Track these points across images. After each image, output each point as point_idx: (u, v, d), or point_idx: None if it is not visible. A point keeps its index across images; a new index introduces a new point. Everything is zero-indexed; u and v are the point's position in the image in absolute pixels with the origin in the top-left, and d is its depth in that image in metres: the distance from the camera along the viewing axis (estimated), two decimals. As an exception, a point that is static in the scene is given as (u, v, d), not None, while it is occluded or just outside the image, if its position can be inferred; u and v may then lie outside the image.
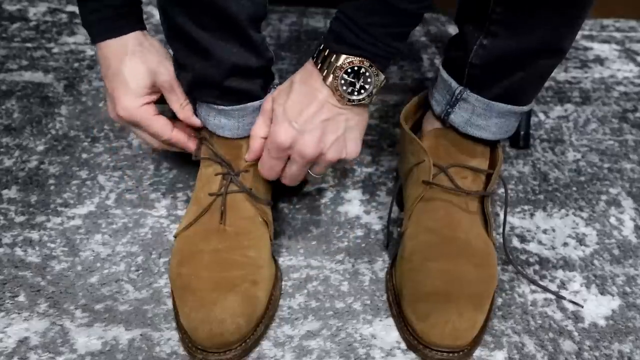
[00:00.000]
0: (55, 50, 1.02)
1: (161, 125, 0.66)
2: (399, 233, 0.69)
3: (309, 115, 0.60)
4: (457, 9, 0.66)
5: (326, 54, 0.59)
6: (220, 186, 0.66)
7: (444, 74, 0.67)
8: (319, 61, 0.60)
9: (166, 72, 0.65)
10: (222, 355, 0.58)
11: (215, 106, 0.65)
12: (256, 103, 0.65)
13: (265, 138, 0.64)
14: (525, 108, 0.65)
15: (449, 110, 0.67)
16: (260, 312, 0.60)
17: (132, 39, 0.63)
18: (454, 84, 0.66)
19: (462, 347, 0.58)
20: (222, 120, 0.66)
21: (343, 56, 0.58)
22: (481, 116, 0.65)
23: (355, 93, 0.60)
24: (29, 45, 1.03)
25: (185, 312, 0.59)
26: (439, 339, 0.57)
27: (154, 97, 0.66)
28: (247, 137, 0.67)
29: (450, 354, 0.58)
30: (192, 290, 0.59)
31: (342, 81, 0.59)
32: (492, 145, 0.70)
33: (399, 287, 0.63)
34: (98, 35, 0.63)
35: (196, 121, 0.67)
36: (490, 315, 0.63)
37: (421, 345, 0.59)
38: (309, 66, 0.61)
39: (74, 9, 1.13)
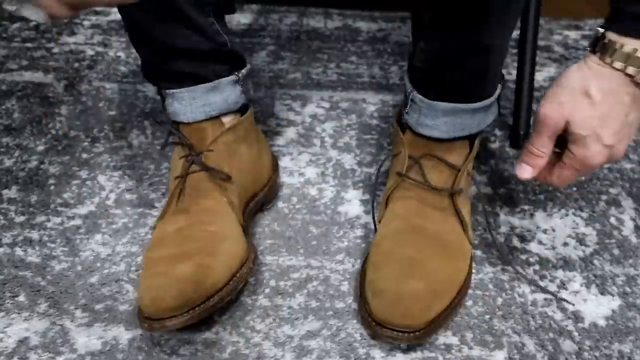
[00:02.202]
0: (55, 50, 1.02)
1: None
2: (377, 220, 0.69)
3: (620, 128, 0.55)
4: (410, 18, 0.69)
5: (624, 45, 0.52)
6: (183, 168, 0.66)
7: (405, 77, 0.70)
8: (618, 58, 0.52)
9: None
10: (166, 321, 0.56)
11: (168, 91, 0.67)
12: (208, 85, 0.67)
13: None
14: (476, 105, 0.66)
15: (404, 111, 0.69)
16: (213, 281, 0.59)
17: None
18: (408, 85, 0.68)
19: (413, 329, 0.58)
20: (176, 106, 0.67)
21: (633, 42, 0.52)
22: (428, 116, 0.67)
23: None
24: (29, 45, 1.03)
25: (139, 287, 0.59)
26: (389, 317, 0.58)
27: None
28: (209, 120, 0.68)
29: (400, 333, 0.58)
30: (149, 266, 0.60)
31: None
32: (471, 140, 0.70)
33: (365, 270, 0.64)
34: None
35: None
36: (458, 309, 0.63)
37: (373, 322, 0.59)
38: (605, 71, 0.53)
39: (74, 8, 1.13)
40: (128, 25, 0.64)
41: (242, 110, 0.72)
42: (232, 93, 0.69)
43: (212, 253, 0.60)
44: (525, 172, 0.59)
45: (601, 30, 0.54)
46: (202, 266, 0.59)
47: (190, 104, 0.67)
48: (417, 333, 0.58)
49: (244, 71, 0.71)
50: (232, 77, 0.69)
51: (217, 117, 0.69)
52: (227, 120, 0.70)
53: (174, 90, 0.66)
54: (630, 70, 0.52)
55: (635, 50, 0.51)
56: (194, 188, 0.65)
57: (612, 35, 0.53)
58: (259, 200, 0.73)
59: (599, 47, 0.53)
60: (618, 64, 0.52)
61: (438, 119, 0.66)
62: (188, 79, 0.66)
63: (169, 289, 0.56)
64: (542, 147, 0.58)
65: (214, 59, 0.67)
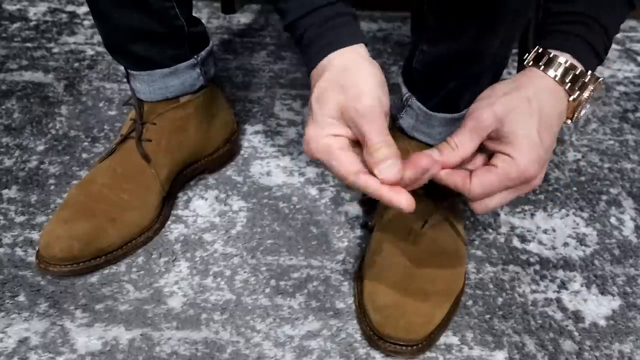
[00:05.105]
0: (55, 50, 1.02)
1: (345, 164, 0.48)
2: (371, 225, 0.70)
3: (551, 143, 0.50)
4: (410, 18, 0.69)
5: (578, 72, 0.50)
6: (127, 130, 0.72)
7: (399, 79, 0.70)
8: (561, 76, 0.50)
9: (367, 98, 0.47)
10: (51, 267, 0.64)
11: (131, 71, 0.71)
12: (165, 70, 0.70)
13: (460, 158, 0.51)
14: (465, 111, 0.66)
15: (398, 115, 0.70)
16: (104, 245, 0.66)
17: (339, 56, 0.50)
18: (404, 89, 0.68)
19: (416, 342, 0.59)
20: (137, 85, 0.72)
21: (589, 73, 0.51)
22: (424, 124, 0.67)
23: (583, 110, 0.53)
24: (29, 45, 1.03)
25: (46, 224, 0.67)
26: (392, 331, 0.58)
27: (345, 130, 0.49)
28: (164, 101, 0.72)
29: (404, 347, 0.59)
30: (63, 207, 0.67)
31: (588, 100, 0.51)
32: None
33: (362, 279, 0.64)
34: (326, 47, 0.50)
35: (391, 172, 0.46)
36: (456, 313, 0.64)
37: (376, 336, 0.59)
38: (548, 82, 0.51)
39: (74, 8, 1.13)
40: (90, 5, 0.66)
41: (201, 90, 0.75)
42: (190, 77, 0.73)
43: (114, 219, 0.67)
44: (432, 152, 0.50)
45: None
46: (98, 229, 0.65)
47: (149, 85, 0.71)
48: (419, 345, 0.59)
49: (203, 53, 0.73)
50: (191, 61, 0.72)
51: (174, 97, 0.73)
52: (185, 99, 0.74)
53: (135, 72, 0.70)
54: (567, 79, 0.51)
55: (567, 62, 0.51)
56: (127, 151, 0.71)
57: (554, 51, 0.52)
58: (198, 167, 0.78)
59: (544, 61, 0.52)
60: (556, 75, 0.51)
61: (434, 129, 0.67)
62: (146, 63, 0.69)
63: (60, 241, 0.64)
64: (459, 142, 0.50)
65: (171, 43, 0.69)
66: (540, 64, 0.51)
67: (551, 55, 0.51)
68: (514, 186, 0.50)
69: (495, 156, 0.50)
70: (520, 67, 0.86)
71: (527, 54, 0.53)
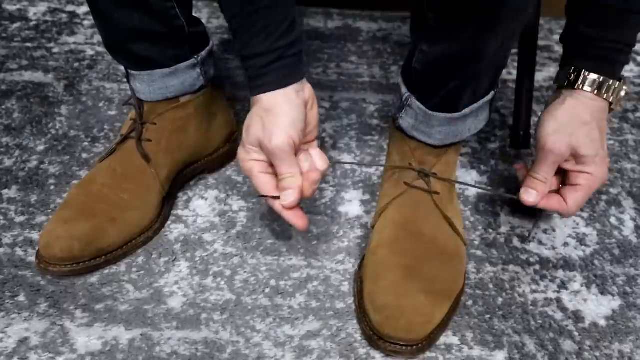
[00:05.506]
0: (56, 50, 1.02)
1: (262, 184, 0.60)
2: (370, 226, 0.70)
3: (605, 142, 0.64)
4: (410, 18, 0.69)
5: (615, 85, 0.61)
6: (127, 130, 0.72)
7: (399, 79, 0.70)
8: (603, 90, 0.61)
9: (276, 139, 0.56)
10: (51, 267, 0.64)
11: (131, 71, 0.71)
12: (166, 70, 0.70)
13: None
14: (467, 110, 0.67)
15: (398, 114, 0.70)
16: (104, 245, 0.66)
17: (280, 95, 0.57)
18: (403, 89, 0.69)
19: (416, 341, 0.59)
20: (137, 85, 0.72)
21: (619, 83, 0.61)
22: (423, 123, 0.68)
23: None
24: (29, 45, 1.03)
25: (46, 224, 0.67)
26: (392, 331, 0.58)
27: (265, 156, 0.59)
28: (164, 101, 0.72)
29: (404, 347, 0.59)
30: (63, 207, 0.67)
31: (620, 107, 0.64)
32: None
33: (362, 279, 0.64)
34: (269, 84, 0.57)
35: (290, 200, 0.58)
36: (456, 313, 0.64)
37: (376, 336, 0.59)
38: (598, 102, 0.61)
39: (74, 8, 1.13)
40: (90, 5, 0.66)
41: (201, 89, 0.75)
42: (190, 77, 0.72)
43: (114, 219, 0.67)
44: (531, 195, 0.64)
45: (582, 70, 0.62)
46: (98, 229, 0.65)
47: (149, 85, 0.71)
48: (419, 345, 0.59)
49: (203, 53, 0.73)
50: (191, 61, 0.72)
51: (174, 97, 0.73)
52: (185, 99, 0.74)
53: (135, 72, 0.70)
54: (610, 98, 0.61)
55: (607, 81, 0.61)
56: (127, 151, 0.71)
57: (592, 74, 0.61)
58: (198, 167, 0.78)
59: (589, 83, 0.61)
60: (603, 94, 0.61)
61: (434, 129, 0.67)
62: (146, 63, 0.69)
63: (60, 241, 0.64)
64: (546, 174, 0.64)
65: (171, 42, 0.69)
66: (587, 87, 0.61)
67: (587, 75, 0.61)
68: (594, 190, 0.65)
69: (576, 176, 0.64)
70: (521, 69, 0.86)
71: (569, 74, 0.62)
